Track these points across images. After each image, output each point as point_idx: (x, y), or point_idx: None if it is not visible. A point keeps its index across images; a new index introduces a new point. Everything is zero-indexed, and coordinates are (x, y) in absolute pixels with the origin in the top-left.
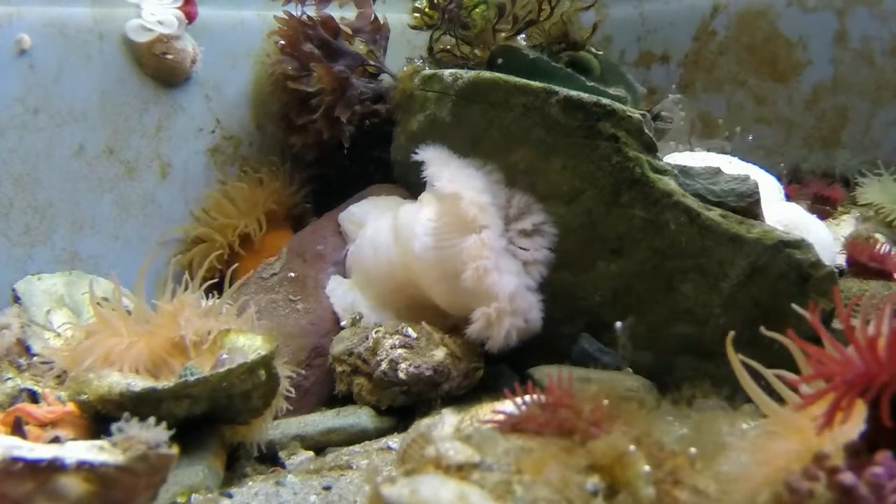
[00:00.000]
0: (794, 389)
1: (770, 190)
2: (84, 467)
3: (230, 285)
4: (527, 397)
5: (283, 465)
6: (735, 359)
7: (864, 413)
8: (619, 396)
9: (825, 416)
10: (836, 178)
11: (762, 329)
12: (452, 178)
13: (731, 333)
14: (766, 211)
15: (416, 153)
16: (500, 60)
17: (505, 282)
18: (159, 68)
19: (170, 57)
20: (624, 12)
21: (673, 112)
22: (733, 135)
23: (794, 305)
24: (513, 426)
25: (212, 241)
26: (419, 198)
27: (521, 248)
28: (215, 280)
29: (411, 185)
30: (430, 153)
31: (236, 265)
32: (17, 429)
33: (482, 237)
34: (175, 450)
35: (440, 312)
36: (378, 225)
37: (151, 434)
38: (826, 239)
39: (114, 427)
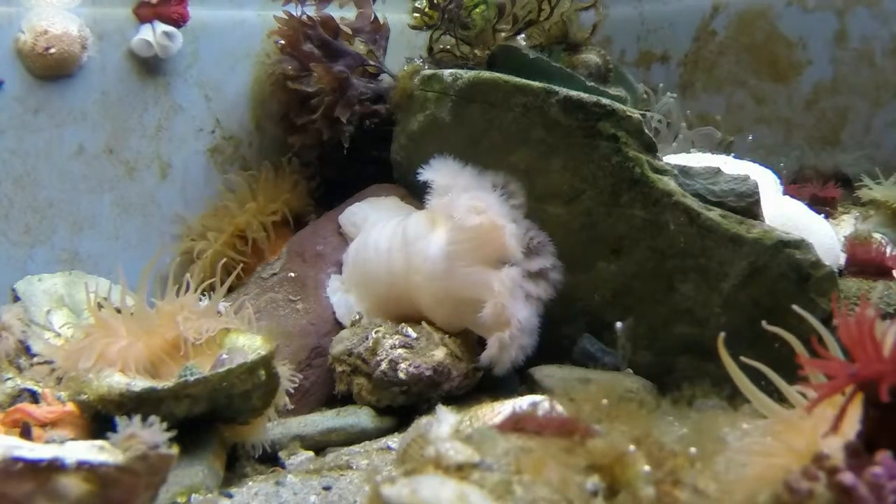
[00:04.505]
0: (802, 394)
1: (767, 184)
2: (84, 467)
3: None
4: (529, 397)
5: (283, 465)
6: (729, 361)
7: (859, 413)
8: (619, 397)
9: (835, 418)
10: (836, 178)
11: (763, 323)
12: (480, 204)
13: (722, 335)
14: (763, 205)
15: (422, 169)
16: (499, 60)
17: (519, 308)
18: (46, 66)
19: (53, 51)
20: (624, 12)
21: (671, 112)
22: (731, 135)
23: (795, 307)
24: (513, 426)
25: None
26: (430, 209)
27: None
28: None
29: (411, 185)
30: (440, 166)
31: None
32: (26, 433)
33: (510, 274)
34: (175, 450)
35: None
36: (380, 229)
37: (151, 434)
38: (828, 238)
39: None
